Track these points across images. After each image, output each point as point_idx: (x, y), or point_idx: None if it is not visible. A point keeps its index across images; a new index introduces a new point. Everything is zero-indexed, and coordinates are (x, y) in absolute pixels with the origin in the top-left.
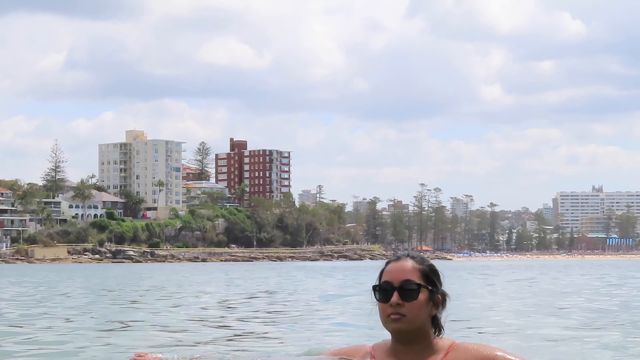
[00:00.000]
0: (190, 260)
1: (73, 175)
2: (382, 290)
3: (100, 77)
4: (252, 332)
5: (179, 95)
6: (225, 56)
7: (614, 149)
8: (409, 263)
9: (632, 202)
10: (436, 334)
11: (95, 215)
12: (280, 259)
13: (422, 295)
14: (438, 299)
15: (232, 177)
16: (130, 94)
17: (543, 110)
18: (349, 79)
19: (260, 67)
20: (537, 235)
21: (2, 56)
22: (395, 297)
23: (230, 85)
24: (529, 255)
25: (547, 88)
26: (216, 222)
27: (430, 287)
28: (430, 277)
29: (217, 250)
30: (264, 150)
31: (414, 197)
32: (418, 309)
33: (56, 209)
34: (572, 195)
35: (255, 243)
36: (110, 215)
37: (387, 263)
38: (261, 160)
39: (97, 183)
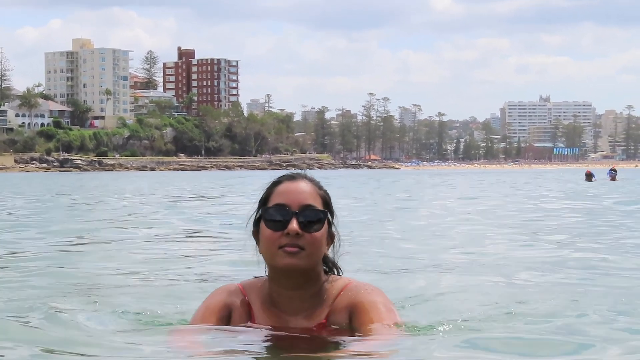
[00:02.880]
0: (138, 169)
1: (19, 84)
2: (275, 215)
3: None
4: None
5: (128, 3)
6: None
7: (563, 59)
8: (309, 186)
9: (579, 112)
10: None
11: (42, 124)
12: (228, 167)
13: (324, 227)
14: (333, 234)
15: (180, 86)
16: (79, 1)
17: (493, 20)
18: None
19: None
20: (484, 144)
21: None
22: (294, 225)
23: None
24: (476, 165)
25: None
26: (164, 132)
27: (331, 219)
28: (330, 206)
29: (166, 159)
30: (212, 59)
31: (363, 106)
32: (319, 242)
33: (2, 117)
34: (519, 105)
35: (203, 152)
36: (57, 124)
37: (277, 182)
38: (209, 69)
39: (44, 92)
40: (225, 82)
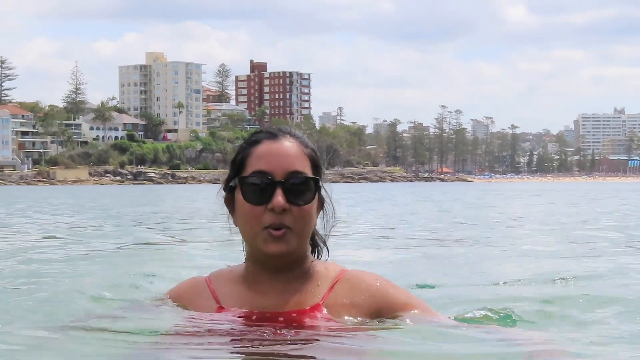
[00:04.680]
0: (210, 182)
1: (94, 97)
2: (254, 187)
3: None
4: None
5: (203, 17)
6: None
7: (638, 70)
8: (294, 145)
9: None
10: (315, 255)
11: (116, 137)
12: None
13: (315, 197)
14: (322, 198)
15: (252, 99)
16: (154, 15)
17: (567, 31)
18: (373, 0)
19: None
20: (558, 157)
21: None
22: (280, 198)
23: (254, 7)
24: (549, 177)
25: (572, 9)
26: (236, 144)
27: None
28: (320, 167)
29: None
30: (284, 72)
31: (435, 119)
32: (309, 217)
33: (77, 131)
34: (593, 117)
35: None
36: (130, 137)
37: (255, 141)
38: (281, 82)
39: (118, 105)
40: (297, 95)
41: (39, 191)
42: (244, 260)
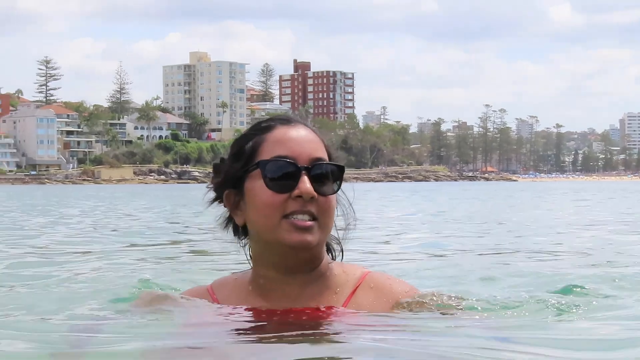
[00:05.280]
0: None
1: (138, 97)
2: (278, 172)
3: None
4: None
5: (246, 16)
6: None
7: None
8: (312, 133)
9: None
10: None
11: (160, 137)
12: (344, 180)
13: (339, 188)
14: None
15: (295, 98)
16: (197, 15)
17: (613, 30)
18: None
19: None
20: (603, 156)
21: None
22: (308, 185)
23: (298, 7)
24: (594, 177)
25: (617, 7)
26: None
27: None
28: (335, 160)
29: None
30: (328, 72)
31: (479, 118)
32: (333, 210)
33: (121, 130)
34: (639, 116)
35: None
36: (175, 137)
37: (268, 127)
38: (325, 82)
39: (162, 105)
40: (341, 95)
41: (106, 189)
42: (250, 268)
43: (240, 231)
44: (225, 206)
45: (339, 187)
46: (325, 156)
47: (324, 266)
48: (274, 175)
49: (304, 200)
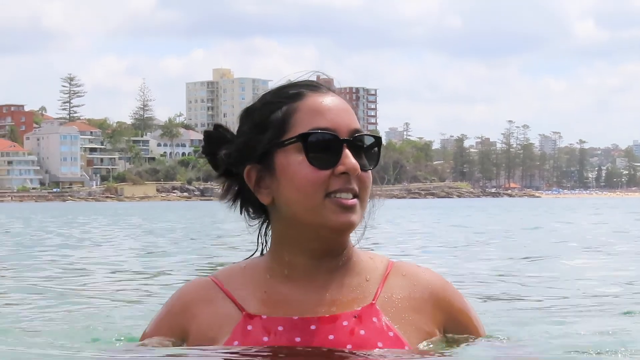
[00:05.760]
0: None
1: (161, 114)
2: (319, 145)
3: (191, 15)
4: None
5: (270, 33)
6: None
7: None
8: (344, 102)
9: None
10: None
11: (183, 154)
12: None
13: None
14: None
15: None
16: (221, 32)
17: (637, 45)
18: (440, 16)
19: (353, 5)
20: (627, 172)
21: None
22: (352, 160)
23: (321, 23)
24: (618, 193)
25: None
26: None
27: None
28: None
29: None
30: (351, 88)
31: (502, 134)
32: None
33: (144, 147)
34: None
35: None
36: (197, 153)
37: (296, 95)
38: (347, 98)
39: (185, 121)
40: (364, 111)
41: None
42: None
43: (252, 211)
44: (249, 182)
45: (378, 161)
46: (360, 127)
47: (349, 250)
48: (316, 150)
49: (348, 176)
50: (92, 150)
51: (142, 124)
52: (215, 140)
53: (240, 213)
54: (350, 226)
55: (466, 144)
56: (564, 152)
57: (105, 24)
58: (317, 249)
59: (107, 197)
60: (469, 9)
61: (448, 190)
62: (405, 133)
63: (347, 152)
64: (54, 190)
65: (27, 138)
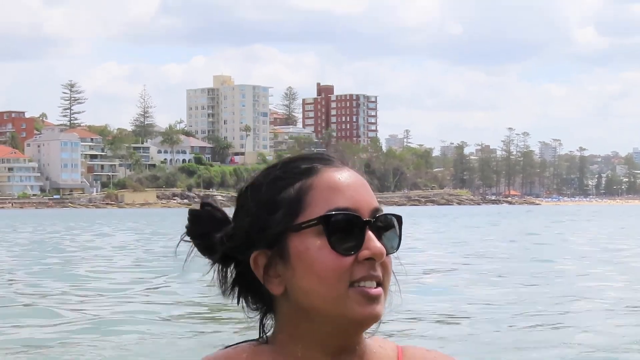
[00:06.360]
0: None
1: (162, 121)
2: (342, 227)
3: (192, 22)
4: None
5: (271, 40)
6: (320, 1)
7: None
8: (360, 177)
9: None
10: None
11: (184, 160)
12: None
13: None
14: None
15: (319, 122)
16: (222, 39)
17: (637, 52)
18: (441, 23)
19: (354, 12)
20: (627, 179)
21: (94, 1)
22: (378, 244)
23: (322, 31)
24: (618, 200)
25: None
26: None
27: None
28: None
29: None
30: (351, 95)
31: (502, 141)
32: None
33: (145, 154)
34: None
35: None
36: (198, 160)
37: (309, 170)
38: (348, 105)
39: (185, 128)
40: (364, 118)
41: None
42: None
43: (251, 301)
44: (256, 270)
45: (400, 242)
46: (379, 205)
47: (363, 342)
48: (338, 233)
49: (374, 262)
50: (93, 157)
51: (143, 130)
52: (205, 220)
53: (238, 303)
54: (376, 318)
55: (466, 151)
56: (564, 159)
57: (106, 30)
58: (337, 344)
59: (107, 203)
60: (469, 16)
61: (448, 198)
62: (405, 140)
63: (370, 234)
64: (55, 197)
65: (28, 145)
